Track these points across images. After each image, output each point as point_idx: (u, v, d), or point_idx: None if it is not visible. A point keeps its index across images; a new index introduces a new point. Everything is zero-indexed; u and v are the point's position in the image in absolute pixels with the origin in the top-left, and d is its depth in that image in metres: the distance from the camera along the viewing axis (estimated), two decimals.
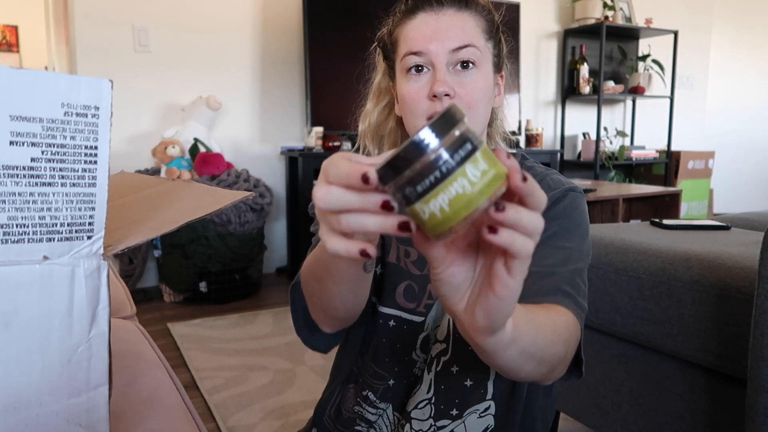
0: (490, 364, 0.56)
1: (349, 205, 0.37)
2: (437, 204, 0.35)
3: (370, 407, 0.81)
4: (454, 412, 0.76)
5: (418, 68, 0.74)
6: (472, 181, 0.35)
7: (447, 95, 0.72)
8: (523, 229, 0.37)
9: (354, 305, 0.69)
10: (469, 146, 0.35)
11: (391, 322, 0.78)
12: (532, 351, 0.55)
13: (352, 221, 0.38)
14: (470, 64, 0.74)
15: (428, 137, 0.34)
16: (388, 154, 0.36)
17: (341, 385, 0.84)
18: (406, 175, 0.35)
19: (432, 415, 0.76)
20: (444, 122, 0.35)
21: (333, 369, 0.89)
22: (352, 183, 0.37)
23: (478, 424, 0.76)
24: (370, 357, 0.81)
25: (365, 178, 0.36)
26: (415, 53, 0.74)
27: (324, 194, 0.38)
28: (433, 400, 0.76)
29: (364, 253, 0.39)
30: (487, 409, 0.77)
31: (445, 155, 0.35)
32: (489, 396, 0.77)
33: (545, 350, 0.57)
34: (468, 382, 0.76)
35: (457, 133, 0.35)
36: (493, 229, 0.37)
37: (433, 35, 0.74)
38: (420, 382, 0.77)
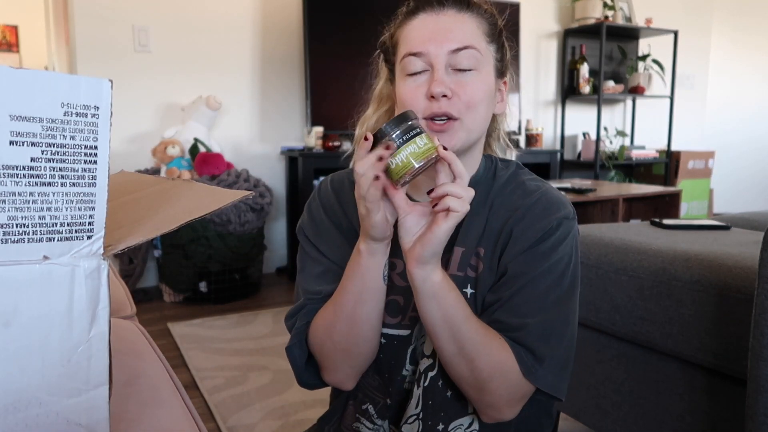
0: (421, 315, 0.70)
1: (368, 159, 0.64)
2: (398, 159, 0.63)
3: (368, 421, 0.80)
4: (441, 426, 0.75)
5: (418, 70, 0.73)
6: (418, 147, 0.63)
7: (444, 96, 0.71)
8: (454, 194, 0.63)
9: (376, 334, 0.76)
10: (417, 131, 0.64)
11: (383, 340, 0.78)
12: (454, 328, 0.68)
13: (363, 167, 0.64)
14: (470, 66, 0.73)
15: (391, 126, 0.63)
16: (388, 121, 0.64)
17: (343, 403, 0.84)
18: (382, 143, 0.63)
19: (420, 430, 0.76)
20: (401, 118, 0.64)
21: (333, 389, 0.90)
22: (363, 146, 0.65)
23: None
24: (370, 372, 0.81)
25: (366, 137, 0.64)
26: (414, 54, 0.73)
27: (359, 164, 0.64)
28: (421, 416, 0.76)
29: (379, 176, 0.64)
30: (471, 424, 0.76)
31: (401, 135, 0.63)
32: (470, 410, 0.76)
33: (467, 341, 0.68)
34: (449, 393, 0.76)
35: (409, 123, 0.64)
36: (436, 205, 0.64)
37: (433, 36, 0.73)
38: (410, 396, 0.77)
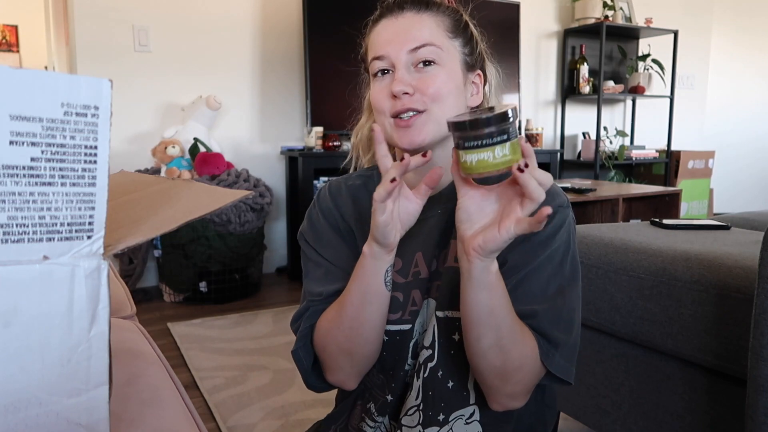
0: (468, 306, 0.67)
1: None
2: (471, 158, 0.58)
3: (370, 420, 0.81)
4: (441, 417, 0.76)
5: (383, 72, 0.77)
6: (495, 156, 0.57)
7: (406, 93, 0.74)
8: (538, 180, 0.57)
9: (379, 336, 0.76)
10: (504, 137, 0.57)
11: (385, 337, 0.79)
12: (498, 319, 0.67)
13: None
14: (431, 63, 0.75)
15: (485, 121, 0.56)
16: (464, 115, 0.60)
17: (351, 403, 0.85)
18: (464, 133, 0.58)
19: (420, 422, 0.76)
20: (498, 117, 0.56)
21: (339, 389, 0.90)
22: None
23: (466, 431, 0.76)
24: (374, 371, 0.82)
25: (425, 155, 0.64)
26: (377, 58, 0.77)
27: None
28: (421, 407, 0.77)
29: (392, 180, 0.62)
30: (472, 414, 0.77)
31: (487, 136, 0.57)
32: (472, 400, 0.77)
33: (507, 332, 0.67)
34: (450, 383, 0.76)
35: (503, 127, 0.56)
36: (521, 170, 0.57)
37: (392, 38, 0.76)
38: (410, 389, 0.78)
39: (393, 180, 0.61)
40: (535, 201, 0.58)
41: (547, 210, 0.56)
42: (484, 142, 0.57)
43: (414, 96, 0.74)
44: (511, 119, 0.57)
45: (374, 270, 0.70)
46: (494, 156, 0.57)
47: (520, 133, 0.60)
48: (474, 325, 0.68)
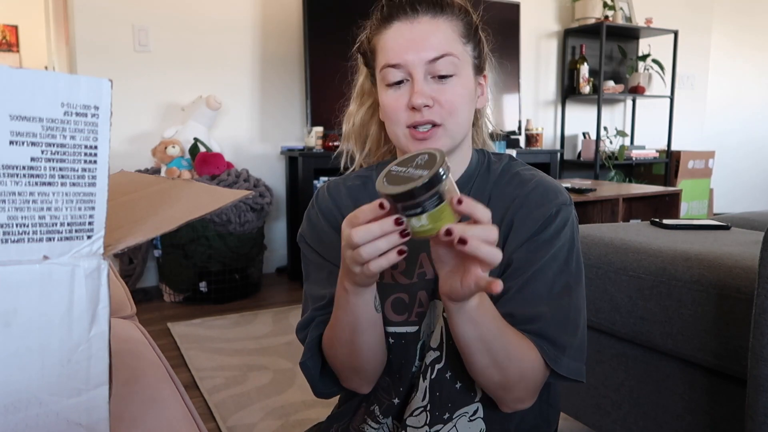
0: (455, 334, 0.67)
1: (373, 234, 0.55)
2: (411, 224, 0.55)
3: (373, 422, 0.81)
4: (446, 415, 0.76)
5: (398, 80, 0.75)
6: (413, 226, 0.55)
7: (426, 106, 0.73)
8: (481, 239, 0.53)
9: (381, 351, 0.76)
10: (418, 210, 0.53)
11: (391, 340, 0.79)
12: (488, 344, 0.66)
13: (369, 248, 0.55)
14: (449, 73, 0.74)
15: (394, 197, 0.53)
16: (383, 180, 0.55)
17: (356, 405, 0.85)
18: (400, 205, 0.54)
19: (427, 422, 0.76)
20: (404, 194, 0.53)
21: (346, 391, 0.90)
22: (374, 213, 0.55)
23: (470, 428, 0.76)
24: (381, 375, 0.81)
25: (381, 205, 0.55)
26: (393, 65, 0.75)
27: (357, 232, 0.55)
28: (428, 408, 0.76)
29: (401, 252, 0.56)
30: (476, 411, 0.77)
31: (401, 209, 0.54)
32: (477, 398, 0.77)
33: (501, 352, 0.67)
34: (458, 385, 0.76)
35: (415, 201, 0.53)
36: (462, 241, 0.53)
37: (410, 46, 0.74)
38: (416, 389, 0.78)
39: (401, 253, 0.57)
40: (491, 265, 0.55)
41: (498, 287, 0.54)
42: (406, 212, 0.54)
43: (433, 108, 0.74)
44: (422, 193, 0.52)
45: (361, 303, 0.68)
46: (413, 226, 0.55)
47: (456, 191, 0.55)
48: (465, 350, 0.69)
